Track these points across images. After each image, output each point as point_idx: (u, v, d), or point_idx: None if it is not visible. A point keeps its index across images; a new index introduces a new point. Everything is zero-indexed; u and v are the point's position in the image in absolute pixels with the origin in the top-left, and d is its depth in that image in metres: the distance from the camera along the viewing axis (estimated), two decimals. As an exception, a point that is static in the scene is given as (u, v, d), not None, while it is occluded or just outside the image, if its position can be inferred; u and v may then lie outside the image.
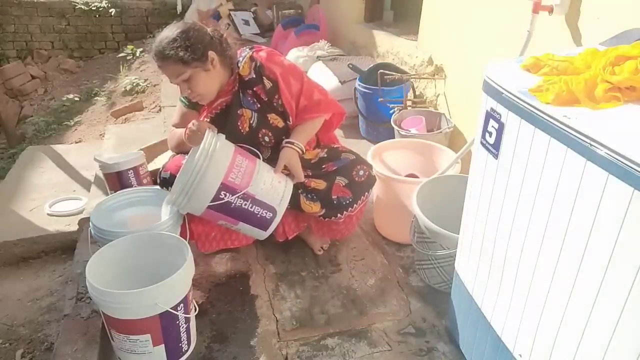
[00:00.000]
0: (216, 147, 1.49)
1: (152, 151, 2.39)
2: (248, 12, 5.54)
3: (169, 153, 1.90)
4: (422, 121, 2.51)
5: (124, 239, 1.45)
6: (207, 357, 1.47)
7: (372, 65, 2.98)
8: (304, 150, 1.73)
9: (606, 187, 0.79)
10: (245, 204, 1.57)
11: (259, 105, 1.72)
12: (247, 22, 5.40)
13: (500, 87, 1.05)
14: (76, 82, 5.62)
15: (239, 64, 1.70)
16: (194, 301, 1.45)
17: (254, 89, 1.70)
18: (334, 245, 1.97)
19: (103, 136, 3.38)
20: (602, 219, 0.81)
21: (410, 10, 3.45)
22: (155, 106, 3.95)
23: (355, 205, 1.77)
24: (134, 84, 4.47)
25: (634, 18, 1.39)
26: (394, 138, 2.48)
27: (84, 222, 2.01)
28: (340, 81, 3.05)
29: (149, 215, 1.65)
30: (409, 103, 2.76)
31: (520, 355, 1.10)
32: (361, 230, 2.07)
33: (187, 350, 1.42)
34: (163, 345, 1.34)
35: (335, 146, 1.90)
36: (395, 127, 2.51)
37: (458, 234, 1.40)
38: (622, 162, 0.75)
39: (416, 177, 2.10)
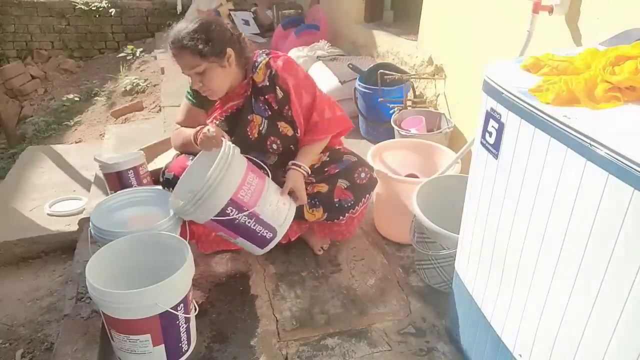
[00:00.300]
0: (232, 163, 1.46)
1: (152, 151, 2.39)
2: (248, 12, 5.54)
3: (169, 153, 1.89)
4: (422, 121, 2.51)
5: (124, 239, 1.45)
6: (207, 357, 1.47)
7: (372, 65, 2.98)
8: (310, 173, 1.73)
9: (606, 187, 0.79)
10: (249, 222, 1.56)
11: (269, 113, 1.71)
12: (247, 22, 5.40)
13: (500, 87, 1.05)
14: (76, 82, 5.62)
15: (254, 69, 1.68)
16: (194, 301, 1.45)
17: (266, 96, 1.69)
18: (334, 246, 1.97)
19: (103, 136, 3.39)
20: (602, 219, 0.81)
21: (410, 10, 3.45)
22: (155, 106, 3.95)
23: (356, 207, 1.77)
24: (134, 84, 4.47)
25: (634, 18, 1.39)
26: (394, 138, 2.48)
27: (84, 222, 2.01)
28: (340, 81, 3.05)
29: (149, 215, 1.65)
30: (409, 103, 2.76)
31: (520, 355, 1.10)
32: (361, 231, 2.07)
33: (187, 350, 1.42)
34: (163, 345, 1.34)
35: (337, 148, 1.89)
36: (395, 127, 2.51)
37: (458, 234, 1.40)
38: (622, 162, 0.75)
39: (416, 177, 2.10)
